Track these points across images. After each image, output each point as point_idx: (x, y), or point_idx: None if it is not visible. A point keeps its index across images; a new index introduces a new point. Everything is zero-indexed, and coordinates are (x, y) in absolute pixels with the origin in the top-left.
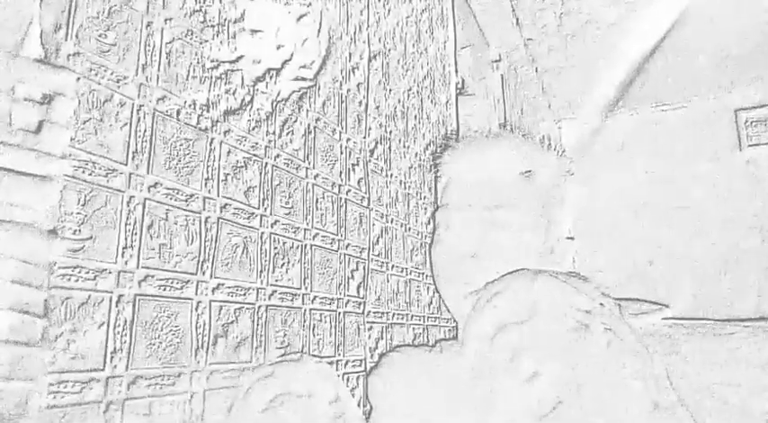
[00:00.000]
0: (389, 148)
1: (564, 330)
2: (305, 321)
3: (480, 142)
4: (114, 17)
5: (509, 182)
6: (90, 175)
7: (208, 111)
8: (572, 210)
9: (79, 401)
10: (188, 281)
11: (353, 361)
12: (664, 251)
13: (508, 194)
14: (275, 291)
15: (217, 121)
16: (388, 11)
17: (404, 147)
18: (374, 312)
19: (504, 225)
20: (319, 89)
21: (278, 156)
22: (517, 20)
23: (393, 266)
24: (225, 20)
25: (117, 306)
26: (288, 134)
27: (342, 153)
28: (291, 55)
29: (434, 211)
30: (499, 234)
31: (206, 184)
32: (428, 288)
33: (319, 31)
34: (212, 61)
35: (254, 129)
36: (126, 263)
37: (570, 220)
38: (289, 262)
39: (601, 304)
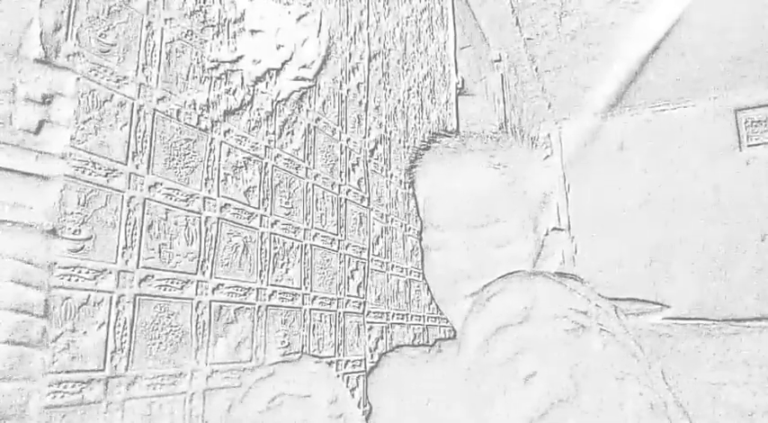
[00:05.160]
0: (389, 148)
1: (561, 331)
2: (305, 321)
3: (458, 147)
4: (114, 17)
5: (495, 192)
6: (90, 175)
7: (208, 111)
8: (560, 203)
9: (79, 401)
10: (188, 281)
11: (353, 361)
12: (664, 251)
13: (495, 207)
14: (275, 291)
15: (217, 121)
16: (388, 11)
17: (404, 147)
18: (374, 312)
19: (496, 242)
20: (319, 89)
21: (278, 156)
22: (517, 20)
23: (393, 266)
24: (225, 20)
25: (117, 306)
26: (288, 134)
27: (342, 153)
28: (291, 55)
29: (419, 231)
30: (492, 251)
31: (206, 184)
32: (427, 288)
33: (319, 31)
34: (212, 61)
35: (254, 129)
36: (126, 263)
37: (558, 212)
38: (289, 262)
39: (597, 305)
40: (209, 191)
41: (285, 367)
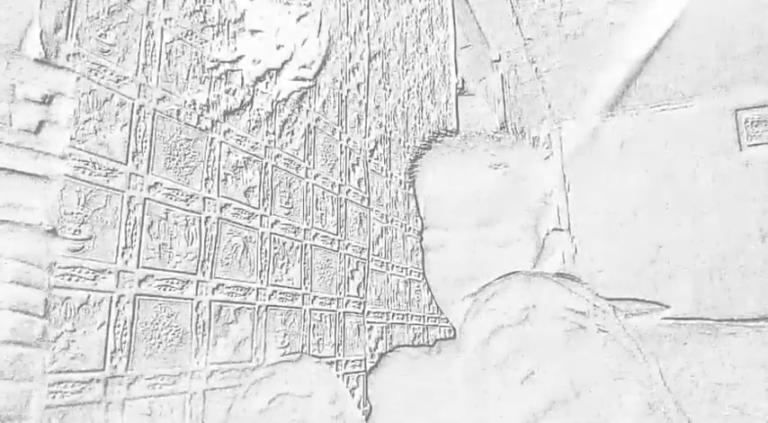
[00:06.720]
0: (389, 148)
1: (560, 331)
2: (305, 321)
3: (458, 147)
4: (114, 17)
5: (495, 192)
6: (90, 175)
7: (208, 111)
8: (560, 203)
9: (79, 401)
10: (188, 281)
11: (353, 361)
12: (664, 251)
13: (495, 207)
14: (275, 291)
15: (217, 121)
16: (388, 11)
17: (404, 147)
18: (374, 312)
19: (496, 242)
20: (319, 89)
21: (278, 156)
22: (517, 20)
23: (393, 266)
24: (225, 20)
25: (117, 306)
26: (288, 134)
27: (342, 153)
28: (291, 55)
29: (420, 231)
30: (492, 251)
31: (206, 184)
32: (428, 288)
33: (319, 31)
34: (212, 61)
35: (254, 129)
36: (126, 263)
37: (558, 212)
38: (289, 262)
39: (596, 305)
40: (209, 191)
41: (285, 367)
